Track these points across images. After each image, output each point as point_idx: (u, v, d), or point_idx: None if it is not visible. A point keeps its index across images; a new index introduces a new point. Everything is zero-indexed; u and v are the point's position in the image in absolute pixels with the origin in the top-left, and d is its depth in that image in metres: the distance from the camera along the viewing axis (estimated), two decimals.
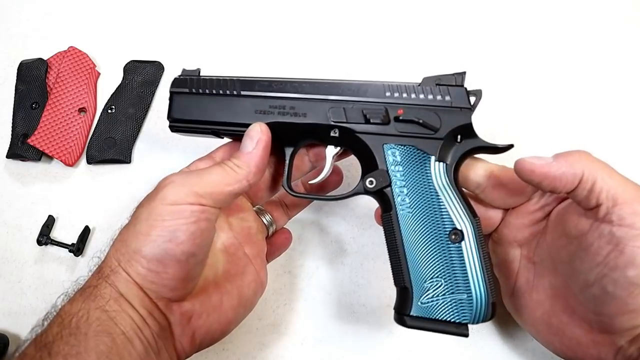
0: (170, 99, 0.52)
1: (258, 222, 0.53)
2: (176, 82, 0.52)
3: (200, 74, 0.52)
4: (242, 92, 0.50)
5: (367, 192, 0.48)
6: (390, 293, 0.58)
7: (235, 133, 0.49)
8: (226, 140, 0.54)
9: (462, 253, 0.44)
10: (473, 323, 0.43)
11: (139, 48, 0.70)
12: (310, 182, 0.53)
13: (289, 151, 0.51)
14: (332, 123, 0.48)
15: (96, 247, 0.61)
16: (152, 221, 0.41)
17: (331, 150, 0.50)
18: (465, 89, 0.47)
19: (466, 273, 0.43)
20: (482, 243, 0.44)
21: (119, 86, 0.68)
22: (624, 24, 0.72)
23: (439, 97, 0.47)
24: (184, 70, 0.53)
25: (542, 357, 0.55)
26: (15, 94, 0.67)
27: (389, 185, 0.46)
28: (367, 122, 0.47)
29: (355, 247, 0.61)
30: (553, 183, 0.41)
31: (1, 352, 0.54)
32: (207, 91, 0.51)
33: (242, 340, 0.56)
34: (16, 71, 0.67)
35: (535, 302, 0.48)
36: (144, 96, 0.68)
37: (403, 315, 0.44)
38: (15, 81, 0.67)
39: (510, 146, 0.46)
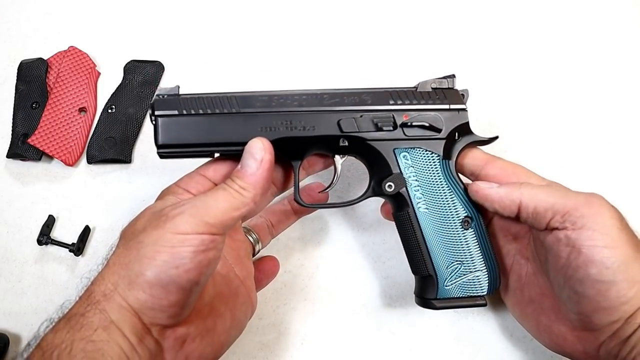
0: (156, 123, 0.47)
1: (246, 242, 0.53)
2: (160, 104, 0.48)
3: (180, 92, 0.48)
4: (242, 110, 0.48)
5: (383, 194, 0.50)
6: (390, 293, 0.59)
7: (237, 153, 0.47)
8: None
9: (474, 236, 0.49)
10: (488, 294, 0.49)
11: (139, 48, 0.70)
12: (319, 192, 0.54)
13: (296, 164, 0.50)
14: (343, 133, 0.49)
15: (96, 246, 0.61)
16: (159, 247, 0.40)
17: (339, 159, 0.52)
18: (457, 91, 0.51)
19: (480, 252, 0.49)
20: (485, 223, 0.50)
21: (119, 86, 0.68)
22: (618, 20, 0.72)
23: (438, 101, 0.50)
24: (160, 89, 0.49)
25: (542, 356, 0.55)
26: (15, 93, 0.67)
27: (405, 186, 0.49)
28: (379, 129, 0.49)
29: (356, 247, 0.61)
30: (493, 205, 0.47)
31: (1, 352, 0.54)
32: (200, 111, 0.47)
33: (242, 340, 0.56)
34: (16, 71, 0.67)
35: (527, 299, 0.49)
36: (144, 96, 0.67)
37: (430, 300, 0.49)
38: (15, 81, 0.67)
39: (496, 137, 0.51)
